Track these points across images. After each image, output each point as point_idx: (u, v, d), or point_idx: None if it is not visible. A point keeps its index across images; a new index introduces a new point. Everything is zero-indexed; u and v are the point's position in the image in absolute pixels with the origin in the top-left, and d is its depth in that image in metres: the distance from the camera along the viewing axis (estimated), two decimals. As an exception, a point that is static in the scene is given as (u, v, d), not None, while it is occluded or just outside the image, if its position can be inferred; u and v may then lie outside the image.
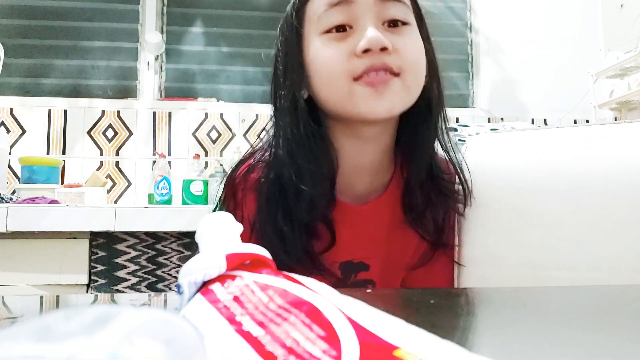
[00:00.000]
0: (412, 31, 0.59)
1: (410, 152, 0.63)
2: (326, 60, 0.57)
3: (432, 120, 0.62)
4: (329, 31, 0.57)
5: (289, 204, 0.59)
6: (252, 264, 0.26)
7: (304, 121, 0.58)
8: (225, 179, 0.65)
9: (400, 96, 0.56)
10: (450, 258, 0.64)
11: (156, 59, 1.98)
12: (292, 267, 0.51)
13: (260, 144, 0.66)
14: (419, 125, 0.62)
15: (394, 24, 0.57)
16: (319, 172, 0.59)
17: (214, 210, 0.65)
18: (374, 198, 0.64)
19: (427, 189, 0.63)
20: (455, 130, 1.68)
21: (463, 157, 0.66)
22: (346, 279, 0.63)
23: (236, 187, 0.63)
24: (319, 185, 0.59)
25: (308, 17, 0.59)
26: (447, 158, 0.65)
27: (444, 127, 0.64)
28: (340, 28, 0.57)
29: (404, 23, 0.58)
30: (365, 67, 0.55)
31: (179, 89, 1.99)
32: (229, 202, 0.63)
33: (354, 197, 0.63)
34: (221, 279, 0.25)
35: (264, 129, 0.65)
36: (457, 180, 0.65)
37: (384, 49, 0.54)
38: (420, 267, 0.63)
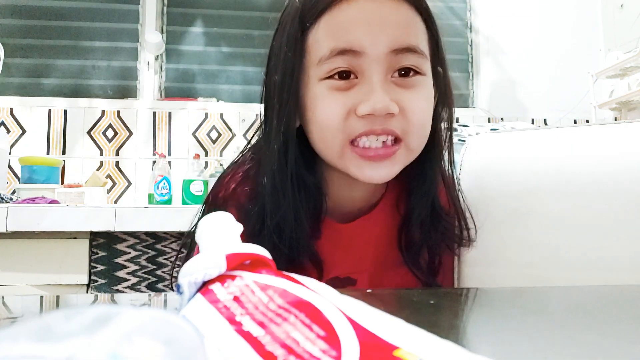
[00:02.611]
0: (424, 83, 0.54)
1: (412, 186, 0.59)
2: (324, 112, 0.52)
3: (438, 153, 0.59)
4: (330, 77, 0.52)
5: (272, 238, 0.55)
6: (252, 264, 0.26)
7: (292, 161, 0.54)
8: (208, 196, 0.61)
9: (401, 161, 0.54)
10: (449, 264, 0.64)
11: (156, 59, 1.98)
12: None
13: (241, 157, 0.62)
14: (424, 159, 0.58)
15: (405, 72, 0.53)
16: (304, 217, 0.55)
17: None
18: (363, 215, 0.61)
19: (427, 227, 0.59)
20: (455, 130, 1.68)
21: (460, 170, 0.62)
22: None
23: (219, 205, 0.59)
24: (302, 229, 0.56)
25: (309, 51, 0.54)
26: (448, 196, 0.61)
27: (448, 159, 0.60)
28: (344, 73, 0.52)
29: (417, 72, 0.53)
30: (363, 130, 0.51)
31: (179, 89, 1.99)
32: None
33: (341, 216, 0.61)
34: (221, 279, 0.25)
35: (256, 131, 0.61)
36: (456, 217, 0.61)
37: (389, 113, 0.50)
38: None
